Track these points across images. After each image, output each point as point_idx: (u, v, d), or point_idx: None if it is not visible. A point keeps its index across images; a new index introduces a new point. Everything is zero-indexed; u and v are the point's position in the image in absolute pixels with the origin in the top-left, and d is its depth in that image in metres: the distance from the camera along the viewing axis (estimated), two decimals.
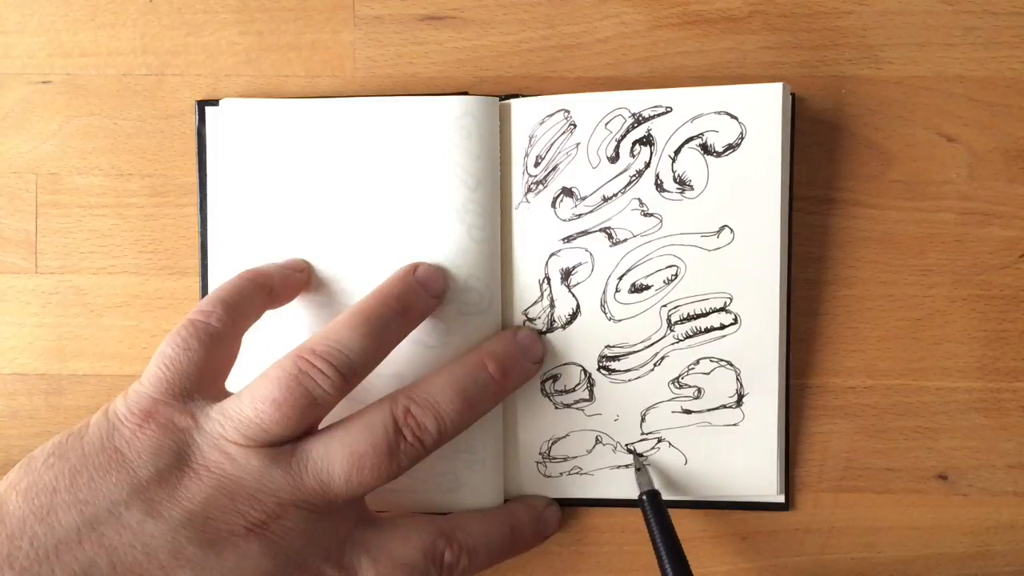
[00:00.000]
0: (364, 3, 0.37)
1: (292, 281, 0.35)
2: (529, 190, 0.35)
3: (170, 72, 0.37)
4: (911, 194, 0.36)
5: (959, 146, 0.36)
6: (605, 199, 0.35)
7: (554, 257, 0.36)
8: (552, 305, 0.36)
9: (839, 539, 0.37)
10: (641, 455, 0.36)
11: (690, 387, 0.36)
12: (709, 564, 0.37)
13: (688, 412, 0.36)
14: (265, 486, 0.30)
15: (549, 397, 0.36)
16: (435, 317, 0.35)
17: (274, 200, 0.36)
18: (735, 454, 0.36)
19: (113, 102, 0.37)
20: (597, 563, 0.37)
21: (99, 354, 0.38)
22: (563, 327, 0.36)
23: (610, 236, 0.35)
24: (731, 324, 0.35)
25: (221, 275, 0.36)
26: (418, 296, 0.34)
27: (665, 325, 0.35)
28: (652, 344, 0.36)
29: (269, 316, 0.34)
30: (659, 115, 0.35)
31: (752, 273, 0.35)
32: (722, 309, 0.35)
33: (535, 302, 0.36)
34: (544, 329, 0.36)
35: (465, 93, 0.37)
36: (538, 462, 0.37)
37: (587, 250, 0.35)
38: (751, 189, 0.34)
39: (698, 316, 0.35)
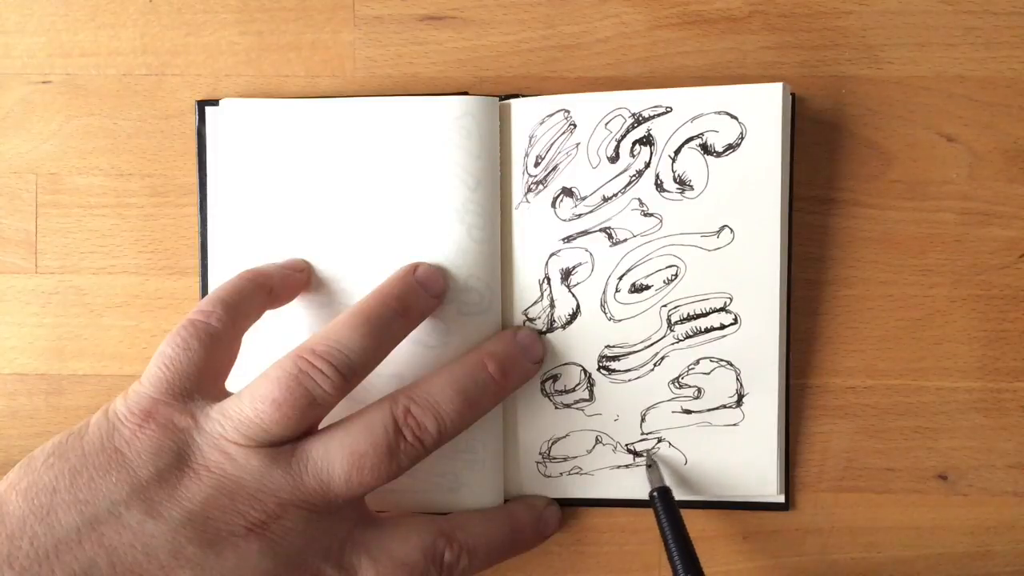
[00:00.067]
0: (364, 3, 0.37)
1: (292, 281, 0.35)
2: (529, 190, 0.35)
3: (170, 72, 0.37)
4: (911, 194, 0.36)
5: (959, 146, 0.36)
6: (605, 199, 0.35)
7: (554, 257, 0.36)
8: (552, 305, 0.36)
9: (839, 539, 0.37)
10: (652, 451, 0.36)
11: (690, 387, 0.36)
12: (709, 564, 0.37)
13: (688, 412, 0.36)
14: (265, 486, 0.30)
15: (549, 397, 0.36)
16: (435, 317, 0.35)
17: (274, 200, 0.36)
18: (735, 454, 0.36)
19: (113, 102, 0.38)
20: (597, 563, 0.37)
21: (99, 354, 0.38)
22: (563, 327, 0.36)
23: (610, 236, 0.35)
24: (731, 324, 0.35)
25: (221, 275, 0.36)
26: (418, 296, 0.34)
27: (665, 325, 0.35)
28: (652, 344, 0.36)
29: (269, 316, 0.34)
30: (659, 115, 0.35)
31: (752, 273, 0.35)
32: (722, 309, 0.35)
33: (535, 302, 0.36)
34: (544, 329, 0.36)
35: (465, 93, 0.37)
36: (538, 462, 0.37)
37: (587, 250, 0.35)
38: (751, 189, 0.34)
39: (698, 316, 0.35)
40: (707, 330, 0.35)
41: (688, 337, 0.35)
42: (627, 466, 0.36)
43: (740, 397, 0.36)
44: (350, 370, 0.31)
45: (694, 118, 0.34)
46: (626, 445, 0.36)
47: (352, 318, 0.32)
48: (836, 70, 0.36)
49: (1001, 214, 0.36)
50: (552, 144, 0.35)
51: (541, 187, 0.35)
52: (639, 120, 0.35)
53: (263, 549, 0.29)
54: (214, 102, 0.37)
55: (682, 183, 0.35)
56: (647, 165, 0.35)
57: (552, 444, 0.37)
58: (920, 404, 0.37)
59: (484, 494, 0.36)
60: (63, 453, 0.29)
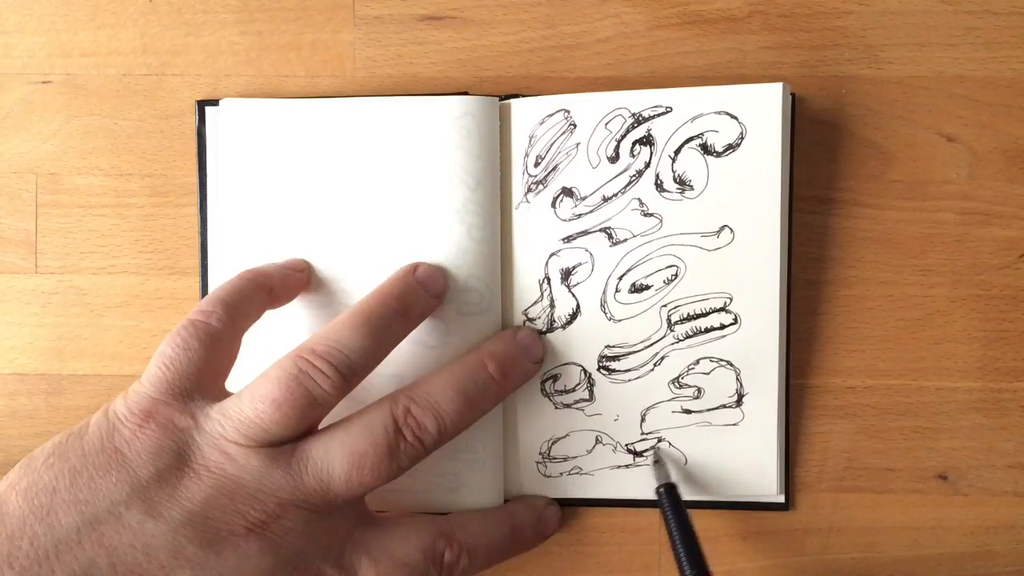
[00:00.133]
0: (364, 3, 0.37)
1: (292, 281, 0.35)
2: (529, 190, 0.35)
3: (170, 72, 0.37)
4: (911, 194, 0.36)
5: (959, 146, 0.36)
6: (605, 199, 0.35)
7: (554, 257, 0.36)
8: (552, 305, 0.36)
9: (839, 539, 0.37)
10: (658, 447, 0.36)
11: (690, 387, 0.36)
12: (709, 564, 0.37)
13: (688, 412, 0.36)
14: (265, 486, 0.30)
15: (549, 397, 0.36)
16: (435, 317, 0.35)
17: (274, 200, 0.36)
18: (735, 454, 0.36)
19: (113, 102, 0.38)
20: (597, 563, 0.37)
21: (99, 354, 0.38)
22: (563, 327, 0.36)
23: (610, 236, 0.35)
24: (731, 324, 0.35)
25: (221, 275, 0.36)
26: (418, 296, 0.34)
27: (665, 325, 0.35)
28: (652, 344, 0.36)
29: (269, 316, 0.34)
30: (659, 115, 0.35)
31: (752, 273, 0.35)
32: (722, 309, 0.35)
33: (535, 302, 0.36)
34: (544, 329, 0.36)
35: (465, 93, 0.37)
36: (538, 462, 0.37)
37: (587, 250, 0.35)
38: (751, 189, 0.34)
39: (698, 316, 0.35)
40: (707, 330, 0.35)
41: (688, 337, 0.35)
42: (627, 466, 0.36)
43: (740, 397, 0.36)
44: (350, 370, 0.31)
45: (694, 118, 0.34)
46: (626, 445, 0.36)
47: (352, 318, 0.32)
48: (836, 70, 0.36)
49: (1001, 214, 0.36)
50: (552, 144, 0.35)
51: (541, 187, 0.35)
52: (639, 120, 0.35)
53: (263, 549, 0.29)
54: (214, 102, 0.37)
55: (682, 183, 0.35)
56: (647, 165, 0.35)
57: (552, 444, 0.37)
58: (920, 404, 0.37)
59: (484, 494, 0.36)
60: (63, 453, 0.29)
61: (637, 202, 0.35)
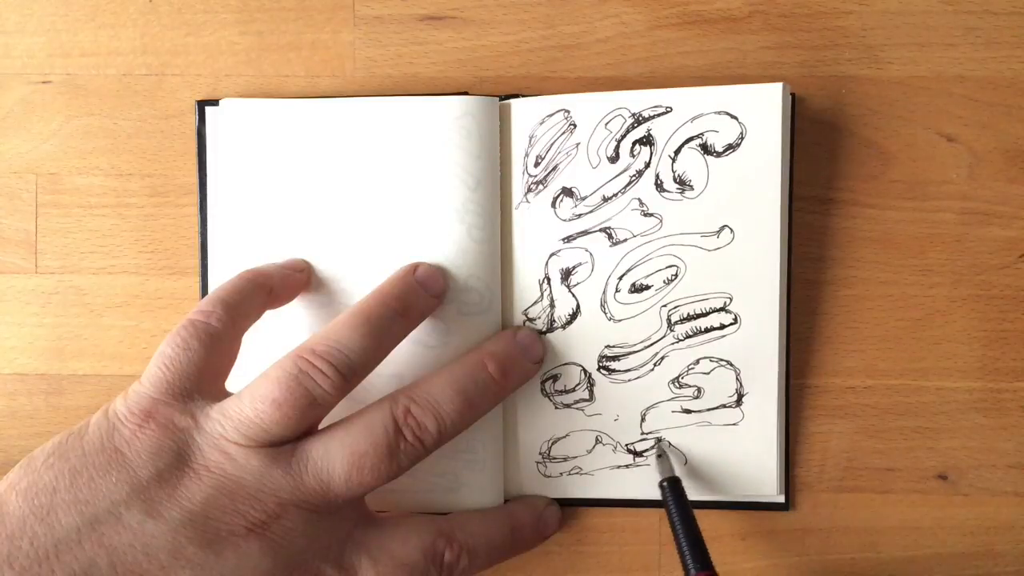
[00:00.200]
0: (364, 3, 0.37)
1: (292, 281, 0.35)
2: (529, 190, 0.35)
3: (170, 72, 0.37)
4: (911, 194, 0.36)
5: (959, 146, 0.36)
6: (605, 199, 0.35)
7: (554, 257, 0.36)
8: (552, 305, 0.36)
9: (839, 539, 0.37)
10: (662, 441, 0.36)
11: (690, 387, 0.36)
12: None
13: (688, 412, 0.36)
14: (265, 486, 0.30)
15: (549, 397, 0.36)
16: (435, 317, 0.35)
17: (274, 200, 0.36)
18: (735, 454, 0.36)
19: (113, 102, 0.38)
20: (597, 563, 0.37)
21: (99, 354, 0.38)
22: (563, 327, 0.36)
23: (610, 236, 0.35)
24: (731, 324, 0.35)
25: (221, 275, 0.36)
26: (418, 296, 0.34)
27: (665, 325, 0.35)
28: (652, 344, 0.36)
29: (269, 316, 0.34)
30: (659, 115, 0.35)
31: (752, 273, 0.35)
32: (722, 309, 0.35)
33: (535, 302, 0.36)
34: (544, 329, 0.36)
35: (465, 93, 0.37)
36: (538, 462, 0.37)
37: (587, 250, 0.35)
38: (751, 189, 0.34)
39: (698, 316, 0.35)
40: (707, 330, 0.35)
41: (688, 337, 0.35)
42: (627, 466, 0.36)
43: (740, 397, 0.36)
44: (350, 370, 0.31)
45: (694, 118, 0.34)
46: (626, 445, 0.36)
47: (352, 318, 0.32)
48: (836, 70, 0.36)
49: (1001, 214, 0.36)
50: (552, 144, 0.35)
51: (541, 187, 0.35)
52: (639, 120, 0.35)
53: (263, 549, 0.29)
54: (214, 102, 0.37)
55: (682, 183, 0.35)
56: (647, 165, 0.35)
57: (552, 444, 0.37)
58: (920, 404, 0.37)
59: (484, 494, 0.36)
60: (63, 453, 0.29)
61: (637, 202, 0.35)
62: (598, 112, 0.35)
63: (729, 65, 0.36)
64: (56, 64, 0.38)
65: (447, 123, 0.35)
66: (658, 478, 0.35)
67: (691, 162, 0.35)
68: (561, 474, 0.37)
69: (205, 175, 0.37)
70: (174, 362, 0.31)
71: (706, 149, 0.35)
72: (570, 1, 0.37)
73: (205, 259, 0.37)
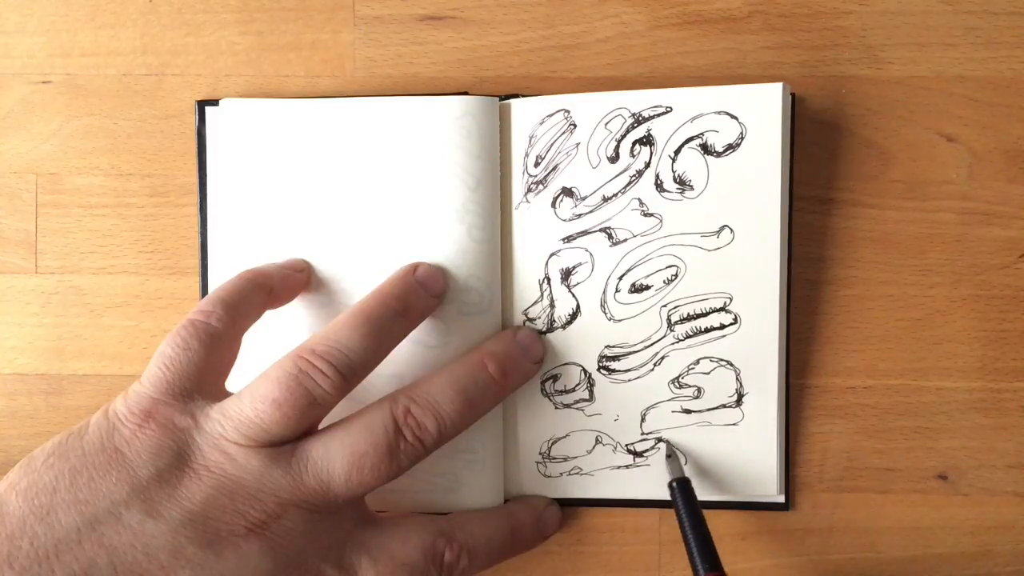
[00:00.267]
0: (364, 3, 0.37)
1: (292, 281, 0.35)
2: (529, 190, 0.35)
3: (170, 72, 0.37)
4: (911, 194, 0.36)
5: (959, 146, 0.36)
6: (605, 199, 0.35)
7: (554, 257, 0.36)
8: (552, 305, 0.36)
9: (839, 539, 0.37)
10: (671, 442, 0.36)
11: (690, 387, 0.36)
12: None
13: (688, 412, 0.36)
14: (265, 486, 0.30)
15: (549, 397, 0.36)
16: (435, 317, 0.35)
17: (274, 200, 0.36)
18: (735, 454, 0.36)
19: (113, 102, 0.38)
20: (597, 563, 0.37)
21: (99, 354, 0.38)
22: (563, 327, 0.36)
23: (610, 236, 0.35)
24: (731, 324, 0.35)
25: (221, 275, 0.36)
26: (418, 296, 0.34)
27: (665, 325, 0.35)
28: (652, 344, 0.36)
29: (269, 316, 0.34)
30: (659, 115, 0.35)
31: (752, 273, 0.35)
32: (722, 309, 0.35)
33: (535, 302, 0.36)
34: (544, 329, 0.36)
35: (465, 93, 0.37)
36: (538, 462, 0.37)
37: (587, 250, 0.35)
38: (751, 189, 0.34)
39: (698, 316, 0.35)
40: (707, 330, 0.35)
41: (688, 337, 0.35)
42: (627, 466, 0.36)
43: (740, 397, 0.36)
44: (350, 370, 0.31)
45: (694, 118, 0.34)
46: (626, 445, 0.36)
47: (352, 318, 0.32)
48: (836, 70, 0.36)
49: (1001, 214, 0.36)
50: (552, 144, 0.35)
51: (541, 187, 0.35)
52: (639, 120, 0.35)
53: (263, 549, 0.29)
54: (214, 102, 0.37)
55: (682, 183, 0.35)
56: (647, 165, 0.35)
57: (552, 444, 0.37)
58: (920, 404, 0.37)
59: (484, 494, 0.36)
60: (63, 453, 0.29)
61: (637, 202, 0.35)
62: (598, 112, 0.35)
63: (729, 65, 0.36)
64: (56, 64, 0.38)
65: (447, 123, 0.35)
66: (667, 478, 0.35)
67: (691, 162, 0.35)
68: (561, 474, 0.37)
69: (205, 175, 0.37)
70: (174, 362, 0.31)
71: (706, 149, 0.35)
72: (570, 1, 0.37)
73: (205, 259, 0.37)
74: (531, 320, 0.36)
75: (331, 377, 0.30)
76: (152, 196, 0.38)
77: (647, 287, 0.35)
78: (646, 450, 0.36)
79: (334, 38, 0.37)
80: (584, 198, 0.35)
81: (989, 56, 0.36)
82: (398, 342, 0.33)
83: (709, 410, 0.36)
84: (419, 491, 0.36)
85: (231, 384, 0.33)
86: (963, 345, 0.37)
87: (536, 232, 0.36)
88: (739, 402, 0.36)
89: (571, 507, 0.37)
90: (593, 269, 0.35)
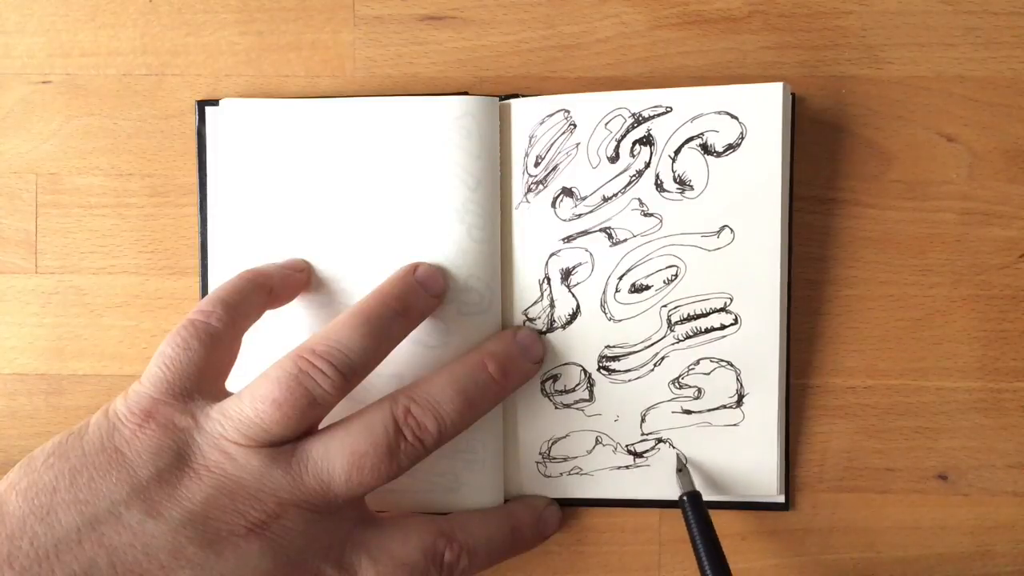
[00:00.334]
0: (364, 3, 0.37)
1: (292, 281, 0.35)
2: (529, 190, 0.35)
3: (170, 72, 0.37)
4: (911, 194, 0.36)
5: (959, 146, 0.36)
6: (605, 199, 0.35)
7: (554, 257, 0.36)
8: (552, 305, 0.36)
9: (839, 539, 0.37)
10: (680, 455, 0.36)
11: (690, 387, 0.36)
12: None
13: (688, 412, 0.36)
14: (265, 486, 0.30)
15: (549, 397, 0.36)
16: (435, 317, 0.35)
17: (274, 200, 0.36)
18: (735, 454, 0.36)
19: (113, 102, 0.38)
20: (597, 563, 0.37)
21: (99, 354, 0.38)
22: (563, 327, 0.36)
23: (610, 236, 0.35)
24: (731, 324, 0.35)
25: (221, 275, 0.36)
26: (418, 296, 0.34)
27: (665, 325, 0.35)
28: (652, 344, 0.36)
29: (269, 316, 0.34)
30: (659, 115, 0.35)
31: (752, 273, 0.35)
32: (722, 309, 0.35)
33: (535, 302, 0.36)
34: (544, 329, 0.36)
35: (465, 93, 0.37)
36: (538, 462, 0.37)
37: (587, 250, 0.35)
38: (751, 189, 0.34)
39: (698, 316, 0.35)
40: (707, 330, 0.35)
41: (688, 337, 0.35)
42: (627, 467, 0.36)
43: (740, 397, 0.36)
44: (350, 370, 0.31)
45: (694, 118, 0.34)
46: (626, 446, 0.36)
47: (352, 318, 0.32)
48: (836, 70, 0.36)
49: (1001, 214, 0.36)
50: (552, 144, 0.35)
51: (541, 187, 0.35)
52: (639, 120, 0.35)
53: (263, 549, 0.29)
54: (214, 102, 0.37)
55: (682, 183, 0.35)
56: (647, 165, 0.35)
57: (552, 444, 0.37)
58: (920, 404, 0.37)
59: (484, 494, 0.36)
60: (63, 453, 0.29)
61: (637, 202, 0.35)
62: (598, 112, 0.35)
63: (729, 65, 0.36)
64: (56, 64, 0.38)
65: (447, 123, 0.35)
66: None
67: (691, 162, 0.35)
68: (561, 474, 0.37)
69: (205, 175, 0.37)
70: (174, 362, 0.31)
71: (706, 149, 0.35)
72: (570, 1, 0.37)
73: (205, 259, 0.37)
74: (531, 320, 0.36)
75: (331, 377, 0.30)
76: (152, 196, 0.38)
77: (647, 287, 0.35)
78: (646, 450, 0.36)
79: (334, 38, 0.37)
80: (584, 198, 0.35)
81: (989, 56, 0.36)
82: (398, 342, 0.33)
83: (709, 410, 0.36)
84: (419, 491, 0.36)
85: (231, 384, 0.33)
86: (963, 345, 0.37)
87: (536, 232, 0.36)
88: (739, 402, 0.36)
89: (571, 507, 0.37)
90: (593, 269, 0.35)
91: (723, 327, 0.35)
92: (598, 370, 0.36)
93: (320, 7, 0.37)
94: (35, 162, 0.38)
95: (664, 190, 0.35)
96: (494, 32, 0.37)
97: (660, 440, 0.36)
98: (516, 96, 0.36)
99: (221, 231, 0.37)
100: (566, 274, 0.36)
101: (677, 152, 0.35)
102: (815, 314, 0.37)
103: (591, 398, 0.36)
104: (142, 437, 0.29)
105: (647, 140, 0.35)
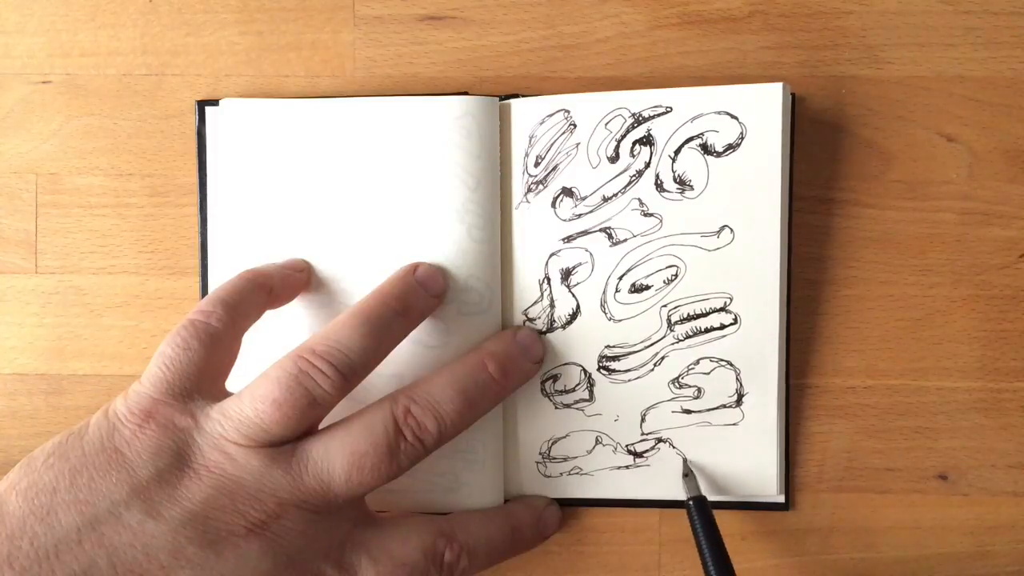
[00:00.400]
0: (364, 3, 0.37)
1: (292, 281, 0.35)
2: (529, 190, 0.35)
3: (170, 72, 0.37)
4: (911, 194, 0.36)
5: (959, 146, 0.36)
6: (605, 199, 0.35)
7: (554, 257, 0.36)
8: (552, 305, 0.36)
9: (839, 539, 0.37)
10: (686, 460, 0.36)
11: (690, 387, 0.36)
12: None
13: (688, 412, 0.36)
14: (265, 486, 0.30)
15: (549, 397, 0.36)
16: (435, 317, 0.35)
17: (274, 200, 0.36)
18: (735, 454, 0.36)
19: (113, 102, 0.38)
20: (597, 563, 0.37)
21: (99, 354, 0.38)
22: (563, 327, 0.36)
23: (610, 236, 0.35)
24: (731, 324, 0.35)
25: (221, 275, 0.36)
26: (418, 296, 0.34)
27: (665, 325, 0.35)
28: (652, 344, 0.36)
29: (269, 316, 0.34)
30: (659, 115, 0.35)
31: (752, 273, 0.35)
32: (722, 309, 0.35)
33: (535, 302, 0.36)
34: (544, 329, 0.36)
35: (465, 93, 0.37)
36: (538, 462, 0.37)
37: (587, 250, 0.35)
38: (751, 189, 0.34)
39: (698, 316, 0.35)
40: (707, 330, 0.35)
41: (688, 337, 0.35)
42: (627, 467, 0.36)
43: (740, 397, 0.36)
44: (350, 370, 0.31)
45: (694, 118, 0.34)
46: (626, 446, 0.36)
47: (352, 318, 0.32)
48: (836, 70, 0.36)
49: (1001, 214, 0.36)
50: (552, 144, 0.35)
51: (541, 187, 0.35)
52: (639, 120, 0.35)
53: (263, 549, 0.29)
54: (214, 102, 0.37)
55: (682, 183, 0.35)
56: (647, 165, 0.35)
57: (552, 444, 0.37)
58: (920, 404, 0.37)
59: (484, 494, 0.36)
60: (63, 453, 0.29)
61: (637, 202, 0.35)
62: (598, 112, 0.35)
63: (729, 65, 0.36)
64: (56, 64, 0.38)
65: (447, 123, 0.35)
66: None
67: (691, 162, 0.35)
68: (561, 474, 0.37)
69: (205, 175, 0.37)
70: (174, 362, 0.31)
71: (706, 149, 0.35)
72: (570, 1, 0.37)
73: (205, 259, 0.37)
74: (531, 320, 0.36)
75: (331, 377, 0.30)
76: (152, 196, 0.38)
77: (647, 287, 0.35)
78: (646, 450, 0.36)
79: (334, 38, 0.37)
80: (584, 198, 0.35)
81: (989, 56, 0.36)
82: (398, 342, 0.33)
83: (709, 410, 0.36)
84: (419, 491, 0.36)
85: (231, 384, 0.33)
86: (963, 345, 0.37)
87: (536, 232, 0.36)
88: (739, 402, 0.36)
89: (571, 507, 0.37)
90: (593, 269, 0.35)
91: (723, 327, 0.35)
92: (598, 370, 0.36)
93: (320, 7, 0.37)
94: (35, 162, 0.38)
95: (664, 190, 0.35)
96: (494, 32, 0.37)
97: (660, 440, 0.36)
98: (516, 96, 0.36)
99: (221, 231, 0.37)
100: (566, 274, 0.36)
101: (677, 152, 0.35)
102: (815, 314, 0.37)
103: (591, 398, 0.36)
104: (142, 437, 0.29)
105: (647, 140, 0.35)
